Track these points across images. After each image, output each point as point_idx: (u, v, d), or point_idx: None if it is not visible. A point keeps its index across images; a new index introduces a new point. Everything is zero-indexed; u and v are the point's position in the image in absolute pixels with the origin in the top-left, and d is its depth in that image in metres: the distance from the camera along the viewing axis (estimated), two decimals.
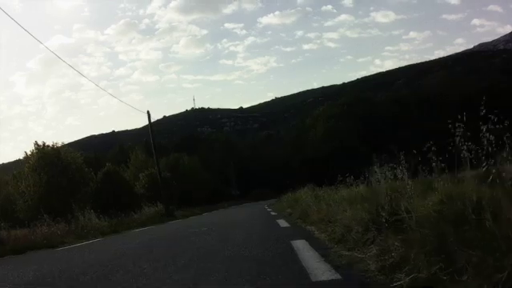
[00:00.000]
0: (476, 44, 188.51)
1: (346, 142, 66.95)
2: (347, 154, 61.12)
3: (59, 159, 31.41)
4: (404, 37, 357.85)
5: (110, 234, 18.97)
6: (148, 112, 31.69)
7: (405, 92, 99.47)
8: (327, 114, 76.32)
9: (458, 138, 4.20)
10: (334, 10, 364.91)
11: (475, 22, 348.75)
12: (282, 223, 12.11)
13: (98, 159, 67.53)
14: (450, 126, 4.18)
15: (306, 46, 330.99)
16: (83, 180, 33.26)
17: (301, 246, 6.20)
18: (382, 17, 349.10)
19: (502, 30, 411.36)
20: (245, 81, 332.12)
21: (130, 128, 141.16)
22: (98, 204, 42.33)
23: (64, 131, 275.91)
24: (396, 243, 4.03)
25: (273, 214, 18.90)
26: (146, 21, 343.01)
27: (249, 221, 15.59)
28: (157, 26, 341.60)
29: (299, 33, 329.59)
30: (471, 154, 4.09)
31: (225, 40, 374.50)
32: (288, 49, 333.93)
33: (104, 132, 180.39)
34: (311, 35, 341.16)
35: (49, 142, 32.75)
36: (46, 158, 31.31)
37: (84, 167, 37.65)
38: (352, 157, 63.33)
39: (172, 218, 29.61)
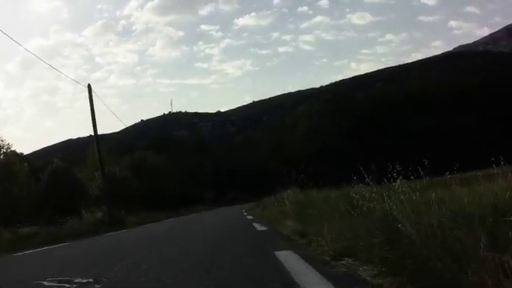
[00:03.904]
0: (456, 46, 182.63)
1: (330, 139, 58.84)
2: (333, 151, 53.08)
3: None
4: (380, 39, 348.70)
5: None
6: (89, 86, 22.97)
7: (388, 89, 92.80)
8: (309, 112, 68.21)
9: None
10: (310, 12, 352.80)
11: (452, 24, 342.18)
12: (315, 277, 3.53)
13: (65, 161, 57.61)
14: None
15: (281, 49, 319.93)
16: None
17: None
18: (357, 18, 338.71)
19: (480, 33, 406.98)
20: (221, 84, 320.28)
21: (107, 132, 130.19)
22: (40, 208, 33.61)
23: (41, 134, 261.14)
24: None
25: (260, 228, 10.25)
26: (123, 22, 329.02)
27: (225, 242, 7.29)
28: (133, 28, 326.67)
29: (275, 35, 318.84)
30: None
31: (200, 42, 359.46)
32: (264, 51, 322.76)
33: (82, 136, 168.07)
34: (287, 37, 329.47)
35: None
36: None
37: (16, 162, 28.76)
38: (337, 155, 55.58)
39: (116, 227, 20.89)
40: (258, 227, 10.34)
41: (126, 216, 25.83)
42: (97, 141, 23.96)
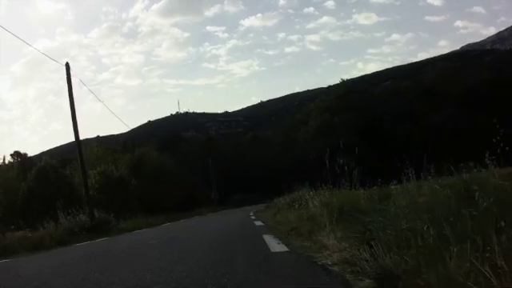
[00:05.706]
0: (464, 45, 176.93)
1: (343, 136, 54.51)
2: (348, 149, 48.79)
3: None
4: (386, 39, 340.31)
5: None
6: (67, 64, 19.11)
7: (405, 83, 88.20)
8: (321, 108, 63.87)
9: None
10: (316, 12, 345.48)
11: (458, 23, 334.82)
12: None
13: (65, 162, 53.49)
14: None
15: (288, 49, 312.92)
16: None
17: None
18: (364, 19, 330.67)
19: (486, 32, 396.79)
20: (228, 85, 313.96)
21: (115, 133, 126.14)
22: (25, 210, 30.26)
23: (48, 136, 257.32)
24: None
25: (276, 248, 5.99)
26: (129, 24, 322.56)
27: None
28: (139, 30, 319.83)
29: (281, 35, 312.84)
30: None
31: (207, 43, 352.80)
32: (270, 52, 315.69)
33: (89, 137, 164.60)
34: (293, 38, 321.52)
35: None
36: None
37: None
38: (352, 153, 51.24)
39: (96, 235, 16.92)
40: (273, 244, 6.24)
41: (115, 220, 21.93)
42: (75, 127, 20.17)
